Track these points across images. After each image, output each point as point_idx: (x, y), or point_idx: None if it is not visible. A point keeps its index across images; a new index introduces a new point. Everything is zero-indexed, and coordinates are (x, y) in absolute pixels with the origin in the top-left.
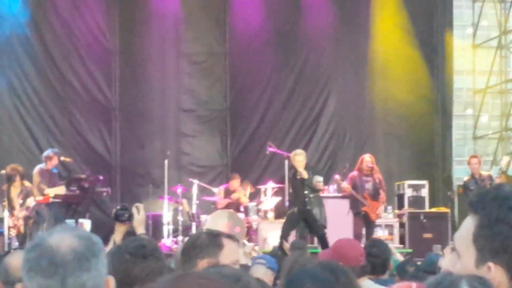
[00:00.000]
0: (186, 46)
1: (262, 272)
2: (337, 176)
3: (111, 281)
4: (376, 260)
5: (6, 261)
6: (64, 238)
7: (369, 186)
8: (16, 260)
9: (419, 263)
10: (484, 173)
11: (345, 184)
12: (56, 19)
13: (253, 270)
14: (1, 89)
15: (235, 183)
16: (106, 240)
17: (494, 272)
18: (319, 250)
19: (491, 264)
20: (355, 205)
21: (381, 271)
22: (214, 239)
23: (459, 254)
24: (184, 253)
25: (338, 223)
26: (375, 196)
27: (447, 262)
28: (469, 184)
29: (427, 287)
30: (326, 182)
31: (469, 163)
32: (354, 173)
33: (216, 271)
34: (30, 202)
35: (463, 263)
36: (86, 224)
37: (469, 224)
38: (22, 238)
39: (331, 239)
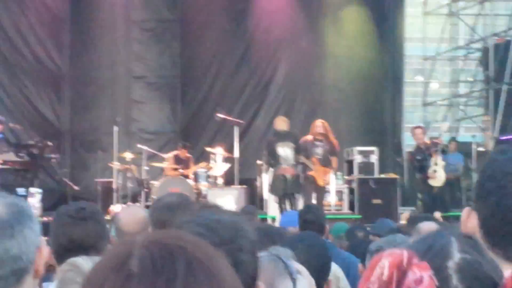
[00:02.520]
0: (137, 13)
1: None
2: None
3: (44, 249)
4: (312, 226)
5: None
6: None
7: (319, 151)
8: None
9: (368, 228)
10: (427, 140)
11: None
12: None
13: None
14: None
15: (184, 151)
16: (54, 207)
17: (467, 216)
18: (269, 216)
19: (467, 208)
20: (305, 170)
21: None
22: None
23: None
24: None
25: None
26: (325, 161)
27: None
28: (415, 153)
29: (417, 251)
30: None
31: (414, 133)
32: (308, 137)
33: (215, 219)
34: None
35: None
36: (37, 193)
37: None
38: None
39: None
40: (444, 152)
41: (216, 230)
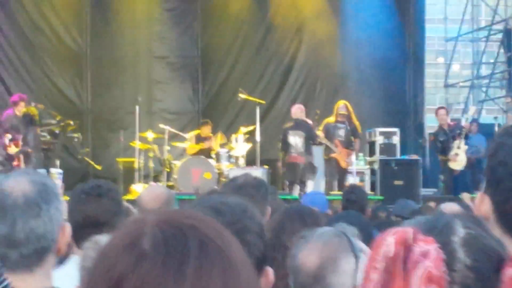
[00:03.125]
0: None
1: None
2: (310, 122)
3: (67, 228)
4: (354, 206)
5: None
6: (18, 182)
7: (341, 133)
8: None
9: (390, 209)
10: (451, 122)
11: (318, 131)
12: None
13: None
14: None
15: (206, 129)
16: (74, 186)
17: (480, 200)
18: (291, 196)
19: (480, 193)
20: (327, 152)
21: None
22: None
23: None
24: None
25: None
26: (347, 143)
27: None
28: (438, 134)
29: (421, 230)
30: None
31: (437, 114)
32: (330, 119)
33: (220, 201)
34: None
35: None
36: (57, 174)
37: None
38: None
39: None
40: (467, 137)
41: (222, 212)
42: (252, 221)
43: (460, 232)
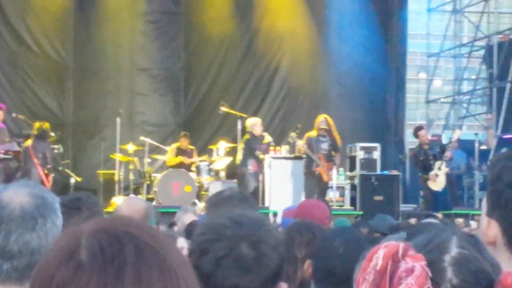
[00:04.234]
0: (141, 4)
1: None
2: (292, 134)
3: None
4: None
5: None
6: (17, 194)
7: (324, 146)
8: None
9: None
10: (432, 137)
11: (301, 143)
12: None
13: None
14: None
15: (184, 142)
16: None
17: (487, 225)
18: (271, 210)
19: (486, 218)
20: (309, 165)
21: None
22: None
23: (482, 212)
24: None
25: (291, 183)
26: (329, 157)
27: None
28: (419, 152)
29: (416, 247)
30: (279, 142)
31: (418, 135)
32: (311, 132)
33: (239, 213)
34: None
35: (482, 217)
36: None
37: None
38: None
39: (283, 200)
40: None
41: (240, 223)
42: (269, 234)
43: (453, 251)
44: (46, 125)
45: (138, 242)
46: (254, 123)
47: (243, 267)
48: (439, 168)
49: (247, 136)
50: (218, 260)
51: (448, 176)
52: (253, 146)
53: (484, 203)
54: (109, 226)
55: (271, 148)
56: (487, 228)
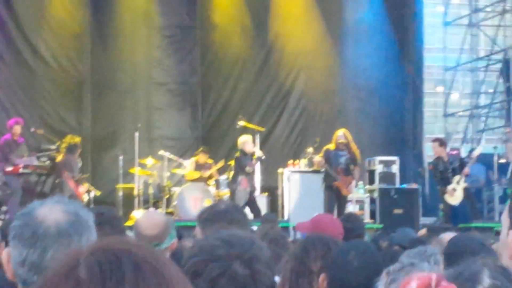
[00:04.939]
0: (157, 19)
1: None
2: (309, 149)
3: None
4: (351, 234)
5: None
6: (52, 210)
7: (342, 160)
8: None
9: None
10: (452, 151)
11: (318, 158)
12: None
13: None
14: None
15: (203, 157)
16: None
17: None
18: (290, 224)
19: (510, 232)
20: (327, 179)
21: None
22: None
23: (503, 225)
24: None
25: (310, 197)
26: (348, 171)
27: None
28: (437, 165)
29: (447, 278)
30: (297, 156)
31: (435, 149)
32: (330, 146)
33: (229, 233)
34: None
35: (503, 233)
36: None
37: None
38: None
39: (303, 214)
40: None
41: (232, 243)
42: (261, 251)
43: (485, 282)
44: (77, 139)
45: (136, 259)
46: (245, 141)
47: (239, 286)
48: (458, 183)
49: (237, 154)
50: (213, 281)
51: (466, 190)
52: (243, 163)
53: (505, 216)
54: (108, 245)
55: (290, 163)
56: None
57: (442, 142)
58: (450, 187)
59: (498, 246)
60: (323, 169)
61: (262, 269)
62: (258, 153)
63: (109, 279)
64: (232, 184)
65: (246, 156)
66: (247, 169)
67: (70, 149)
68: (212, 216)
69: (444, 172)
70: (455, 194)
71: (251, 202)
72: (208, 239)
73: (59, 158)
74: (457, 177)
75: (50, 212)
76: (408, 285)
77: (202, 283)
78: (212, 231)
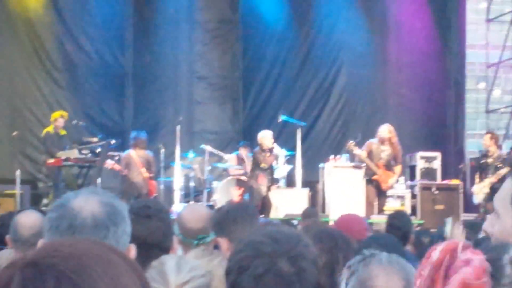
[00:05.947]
0: (200, 13)
1: None
2: (351, 141)
3: (132, 250)
4: (397, 232)
5: (17, 220)
6: (87, 202)
7: (384, 155)
8: (25, 220)
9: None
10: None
11: (359, 151)
12: None
13: None
14: (13, 53)
15: (244, 151)
16: None
17: None
18: (329, 219)
19: None
20: (368, 173)
21: (402, 244)
22: None
23: (498, 215)
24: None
25: (351, 192)
26: (389, 166)
27: (486, 222)
28: (479, 158)
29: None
30: (338, 152)
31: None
32: (373, 140)
33: (275, 229)
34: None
35: (502, 223)
36: None
37: (508, 185)
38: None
39: (344, 208)
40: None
41: (278, 240)
42: (307, 249)
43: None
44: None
45: (59, 274)
46: (263, 136)
47: (284, 283)
48: (485, 185)
49: (256, 150)
50: (258, 277)
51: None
52: (258, 159)
53: (501, 204)
54: (36, 258)
55: (331, 158)
56: None
57: (493, 136)
58: (475, 188)
59: (497, 232)
60: (363, 164)
61: (308, 267)
62: (277, 150)
63: None
64: (250, 180)
65: (263, 152)
66: (262, 165)
67: (136, 144)
68: (218, 219)
69: (483, 165)
70: (478, 195)
71: (265, 198)
72: (254, 235)
73: (131, 153)
74: (487, 179)
75: (85, 203)
76: (434, 250)
77: (247, 279)
78: (228, 234)
